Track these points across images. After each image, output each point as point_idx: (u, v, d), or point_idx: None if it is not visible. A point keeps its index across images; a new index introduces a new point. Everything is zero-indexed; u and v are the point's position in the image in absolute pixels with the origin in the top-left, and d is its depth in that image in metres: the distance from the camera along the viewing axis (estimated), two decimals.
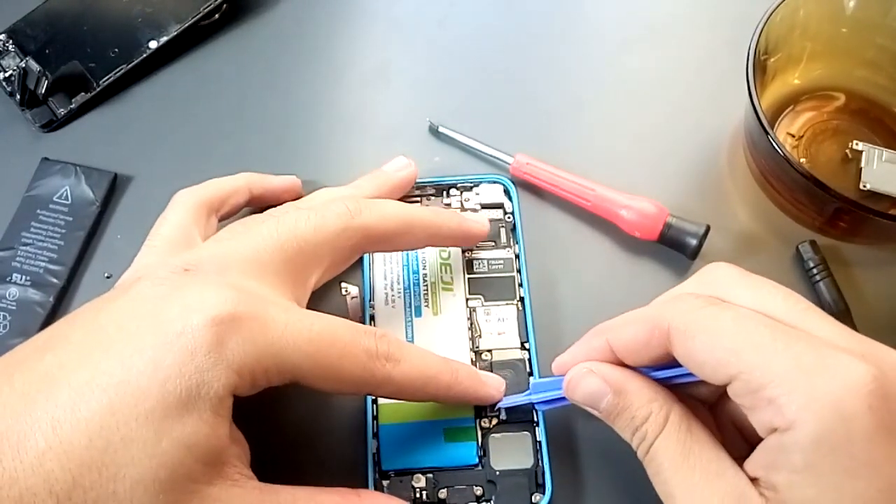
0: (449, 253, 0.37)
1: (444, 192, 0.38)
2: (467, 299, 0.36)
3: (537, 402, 0.31)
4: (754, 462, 0.24)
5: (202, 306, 0.25)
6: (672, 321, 0.25)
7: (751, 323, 0.24)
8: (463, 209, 0.38)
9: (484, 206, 0.38)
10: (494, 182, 0.39)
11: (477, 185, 0.38)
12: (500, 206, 0.38)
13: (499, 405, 0.32)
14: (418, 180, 0.38)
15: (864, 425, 0.21)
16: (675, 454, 0.25)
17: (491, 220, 0.37)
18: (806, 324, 0.24)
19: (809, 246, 0.37)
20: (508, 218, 0.38)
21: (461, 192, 0.38)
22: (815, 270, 0.36)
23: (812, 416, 0.22)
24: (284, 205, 0.35)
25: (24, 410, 0.23)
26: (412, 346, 0.31)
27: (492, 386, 0.32)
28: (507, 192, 0.38)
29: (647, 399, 0.26)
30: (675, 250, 0.37)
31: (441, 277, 0.36)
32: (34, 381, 0.24)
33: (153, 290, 0.26)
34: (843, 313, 0.36)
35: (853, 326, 0.35)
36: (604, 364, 0.28)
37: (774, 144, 0.34)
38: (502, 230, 0.37)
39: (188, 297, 0.26)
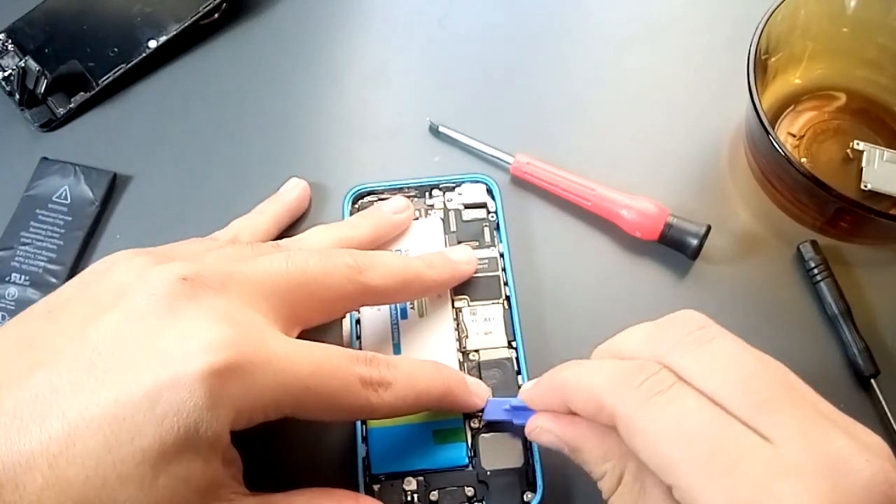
0: None
1: (427, 193, 0.38)
2: (453, 300, 0.35)
3: (517, 422, 0.31)
4: None
5: (201, 343, 0.24)
6: (615, 409, 0.24)
7: (692, 430, 0.22)
8: (446, 210, 0.38)
9: (467, 206, 0.38)
10: (477, 181, 0.38)
11: (459, 185, 0.38)
12: (483, 205, 0.38)
13: (483, 417, 0.32)
14: (401, 181, 0.38)
15: None
16: None
17: (474, 220, 0.37)
18: (764, 420, 0.22)
19: (810, 246, 0.37)
20: (492, 217, 0.37)
21: (444, 193, 0.38)
22: (815, 271, 0.36)
23: None
24: (285, 241, 0.34)
25: (18, 438, 0.23)
26: (401, 362, 0.30)
27: (477, 395, 0.32)
28: (489, 191, 0.38)
29: (601, 458, 0.26)
30: (676, 250, 0.37)
31: None
32: (25, 402, 0.23)
33: (148, 304, 0.25)
34: (843, 313, 0.35)
35: (854, 327, 0.35)
36: (559, 420, 0.28)
37: (775, 144, 0.34)
38: (486, 229, 0.37)
39: (186, 329, 0.25)
